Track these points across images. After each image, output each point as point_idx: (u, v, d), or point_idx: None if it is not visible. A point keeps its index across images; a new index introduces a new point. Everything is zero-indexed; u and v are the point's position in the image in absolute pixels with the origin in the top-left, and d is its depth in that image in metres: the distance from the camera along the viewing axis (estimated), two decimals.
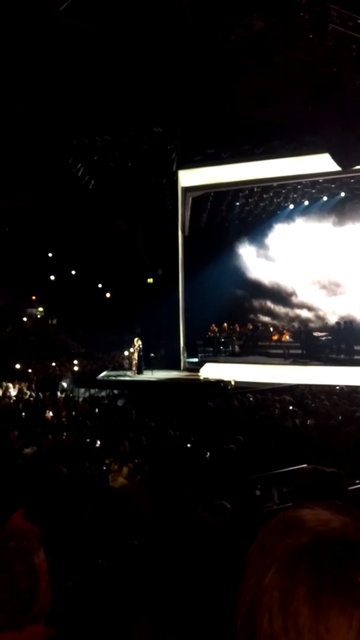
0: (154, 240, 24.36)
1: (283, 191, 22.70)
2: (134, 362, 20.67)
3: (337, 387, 16.00)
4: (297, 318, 23.15)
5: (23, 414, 15.08)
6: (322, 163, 17.07)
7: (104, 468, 8.40)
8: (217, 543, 4.55)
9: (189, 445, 10.03)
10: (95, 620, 3.52)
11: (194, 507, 5.54)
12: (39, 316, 36.26)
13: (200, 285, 22.59)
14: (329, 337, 20.63)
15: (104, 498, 6.55)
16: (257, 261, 24.18)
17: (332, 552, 0.66)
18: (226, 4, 12.15)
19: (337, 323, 20.98)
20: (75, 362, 26.15)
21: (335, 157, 14.96)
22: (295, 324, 22.79)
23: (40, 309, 36.50)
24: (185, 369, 21.09)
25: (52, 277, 35.20)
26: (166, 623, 3.48)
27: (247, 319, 23.73)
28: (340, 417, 11.64)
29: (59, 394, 19.17)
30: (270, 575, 0.68)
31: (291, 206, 24.23)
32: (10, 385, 19.97)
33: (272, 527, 0.73)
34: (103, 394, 18.94)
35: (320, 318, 22.55)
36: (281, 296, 23.74)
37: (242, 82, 15.76)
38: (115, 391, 18.93)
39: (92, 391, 19.71)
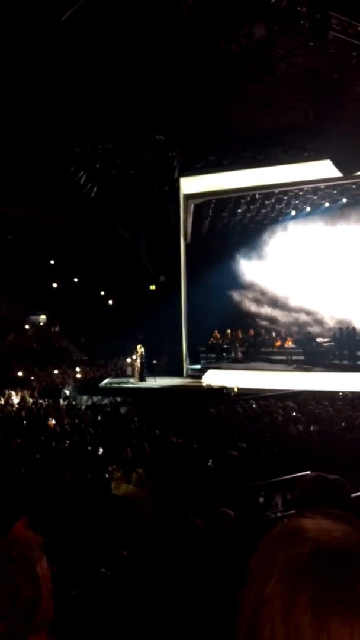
0: (156, 247, 24.40)
1: (285, 198, 22.74)
2: (137, 369, 20.64)
3: (341, 393, 15.96)
4: (300, 324, 23.15)
5: (25, 421, 15.06)
6: (323, 169, 17.10)
7: (107, 476, 8.38)
8: (213, 550, 4.53)
9: (191, 452, 10.01)
10: (98, 628, 3.51)
11: (190, 514, 5.53)
12: (41, 324, 36.26)
13: (203, 291, 22.60)
14: (332, 343, 20.60)
15: (107, 506, 6.53)
16: (259, 267, 24.22)
17: (333, 561, 0.66)
18: (227, 12, 12.21)
19: (340, 329, 20.97)
20: (78, 369, 26.16)
21: (337, 163, 15.00)
22: (298, 330, 22.78)
23: (43, 316, 36.51)
24: (188, 376, 21.06)
25: (55, 285, 35.24)
26: (165, 633, 3.47)
27: (250, 325, 23.72)
28: (343, 424, 11.61)
29: (61, 401, 19.17)
30: (271, 585, 0.68)
31: (293, 212, 24.26)
32: (13, 392, 19.98)
33: (274, 537, 0.73)
34: (105, 401, 18.92)
35: (322, 324, 22.56)
36: (283, 302, 23.75)
37: (243, 90, 15.81)
38: (118, 398, 18.91)
39: (95, 398, 19.69)
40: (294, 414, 13.29)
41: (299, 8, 11.46)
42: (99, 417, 15.32)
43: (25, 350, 30.74)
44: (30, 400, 19.41)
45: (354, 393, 15.63)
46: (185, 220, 21.17)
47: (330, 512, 0.74)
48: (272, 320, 24.04)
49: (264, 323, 24.05)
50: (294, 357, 20.70)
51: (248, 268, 24.28)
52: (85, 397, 20.37)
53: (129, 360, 24.27)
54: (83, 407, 18.23)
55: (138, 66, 14.17)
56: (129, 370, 23.25)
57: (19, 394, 20.19)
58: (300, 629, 0.63)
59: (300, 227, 24.12)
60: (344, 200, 22.67)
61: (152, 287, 28.12)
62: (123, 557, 4.60)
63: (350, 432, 10.60)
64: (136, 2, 11.87)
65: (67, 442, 11.52)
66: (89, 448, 10.69)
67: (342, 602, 0.63)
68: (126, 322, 28.46)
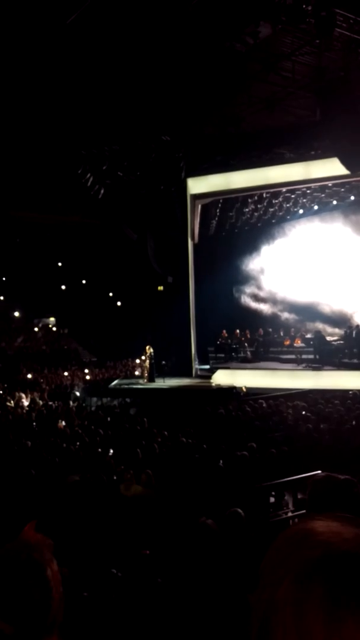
0: (164, 248, 24.41)
1: (292, 196, 22.66)
2: (146, 370, 20.66)
3: (351, 392, 15.87)
4: (308, 323, 23.05)
5: (35, 423, 15.10)
6: (331, 167, 17.04)
7: (115, 477, 8.38)
8: (225, 550, 4.51)
9: (201, 452, 9.99)
10: (109, 630, 3.50)
11: (201, 515, 5.51)
12: (50, 326, 36.41)
13: (211, 291, 22.58)
14: (342, 342, 20.50)
15: (117, 507, 6.53)
16: (266, 267, 24.17)
17: (345, 565, 0.65)
18: (232, 12, 12.20)
19: (349, 327, 20.88)
20: (87, 371, 26.23)
21: (344, 161, 14.94)
22: (307, 329, 22.68)
23: (52, 318, 36.65)
24: (197, 376, 21.05)
25: (63, 287, 35.37)
26: (176, 634, 3.46)
27: (259, 324, 23.66)
28: (354, 422, 11.55)
29: (71, 403, 19.21)
30: (283, 589, 0.67)
31: (301, 211, 24.17)
32: (23, 395, 20.05)
33: (284, 540, 0.72)
34: (115, 402, 18.94)
35: (332, 322, 22.45)
36: (292, 301, 23.67)
37: (249, 89, 15.80)
38: (127, 399, 18.93)
39: (104, 400, 19.72)
40: (304, 413, 13.24)
41: (304, 6, 11.41)
42: (109, 419, 15.34)
43: (34, 353, 30.89)
44: (40, 402, 19.47)
45: None
46: (192, 221, 21.17)
47: (341, 515, 0.74)
48: (281, 319, 23.97)
49: (273, 322, 23.97)
50: (304, 356, 20.64)
51: (256, 267, 24.24)
52: (94, 399, 20.42)
53: (138, 361, 24.30)
54: (92, 409, 18.26)
55: (143, 67, 14.19)
56: (138, 371, 23.29)
57: (29, 396, 20.26)
58: (312, 633, 0.62)
59: (308, 226, 24.03)
60: (352, 197, 22.54)
61: (160, 288, 28.12)
62: (134, 558, 4.59)
63: None
64: (142, 3, 11.89)
65: (77, 443, 11.53)
66: (99, 450, 10.70)
67: (354, 605, 0.62)
68: (135, 323, 28.53)
